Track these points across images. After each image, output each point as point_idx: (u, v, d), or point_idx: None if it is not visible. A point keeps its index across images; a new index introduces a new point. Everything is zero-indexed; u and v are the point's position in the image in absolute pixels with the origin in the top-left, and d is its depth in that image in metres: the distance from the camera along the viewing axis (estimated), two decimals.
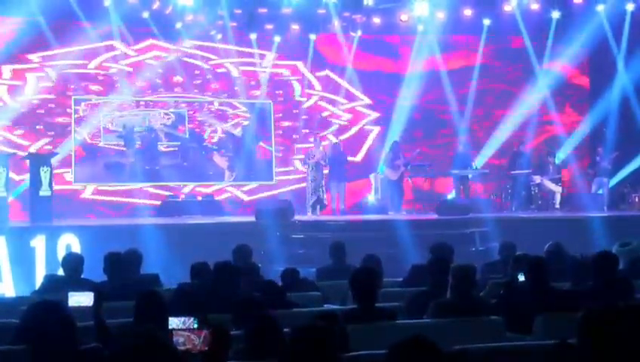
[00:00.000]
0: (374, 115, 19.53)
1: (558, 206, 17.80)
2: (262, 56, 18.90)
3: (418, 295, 6.67)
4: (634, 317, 4.07)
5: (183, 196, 18.08)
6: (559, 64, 19.59)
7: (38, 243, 11.86)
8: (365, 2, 17.91)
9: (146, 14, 17.19)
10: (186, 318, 4.34)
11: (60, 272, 8.32)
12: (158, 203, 17.39)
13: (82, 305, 5.42)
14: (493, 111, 19.71)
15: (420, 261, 8.68)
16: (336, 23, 18.41)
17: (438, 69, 19.25)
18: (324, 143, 18.15)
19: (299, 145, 18.98)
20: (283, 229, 13.54)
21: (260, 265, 8.52)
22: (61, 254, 10.81)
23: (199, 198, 17.82)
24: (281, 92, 19.26)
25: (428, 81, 19.15)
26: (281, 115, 19.27)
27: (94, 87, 17.88)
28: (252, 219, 14.31)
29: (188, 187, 18.50)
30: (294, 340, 3.95)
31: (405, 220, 14.48)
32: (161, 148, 18.43)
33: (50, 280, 7.94)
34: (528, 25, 18.65)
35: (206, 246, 11.00)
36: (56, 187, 17.05)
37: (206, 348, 4.16)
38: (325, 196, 17.08)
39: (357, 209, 18.01)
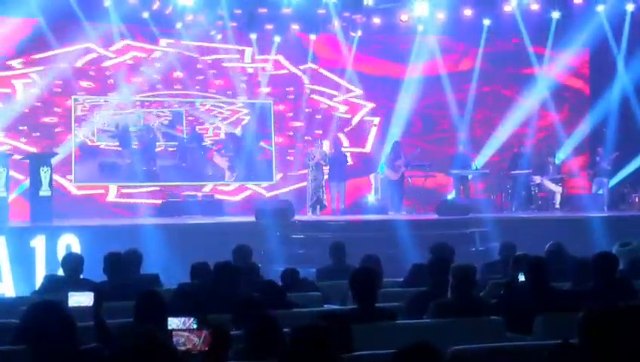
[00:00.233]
0: (369, 105, 19.48)
1: (558, 206, 17.80)
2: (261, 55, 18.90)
3: (418, 295, 6.67)
4: (634, 317, 4.07)
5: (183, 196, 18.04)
6: (559, 64, 19.57)
7: (38, 243, 11.85)
8: (365, 2, 17.90)
9: (146, 14, 17.17)
10: (186, 318, 4.34)
11: (60, 272, 8.32)
12: (159, 202, 17.37)
13: (82, 305, 5.42)
14: (493, 112, 19.70)
15: (420, 261, 8.68)
16: (336, 23, 18.41)
17: (438, 71, 19.24)
18: (325, 142, 18.16)
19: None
20: (283, 229, 13.53)
21: (260, 265, 8.52)
22: (61, 254, 10.80)
23: (199, 197, 17.76)
24: (291, 89, 19.20)
25: (427, 85, 19.14)
26: (291, 114, 19.23)
27: (85, 85, 17.62)
28: (252, 219, 14.30)
29: (207, 186, 18.46)
30: (294, 340, 3.95)
31: (405, 220, 14.48)
32: (159, 148, 18.28)
33: (50, 281, 7.95)
34: (528, 25, 18.64)
35: (206, 246, 11.00)
36: (82, 191, 17.19)
37: (206, 349, 4.15)
38: (325, 196, 17.09)
39: (357, 208, 18.00)
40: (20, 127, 17.04)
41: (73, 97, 17.53)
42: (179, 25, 17.64)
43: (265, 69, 18.91)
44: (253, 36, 18.43)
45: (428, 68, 19.24)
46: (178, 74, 18.27)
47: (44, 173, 13.52)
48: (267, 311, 5.14)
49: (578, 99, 20.37)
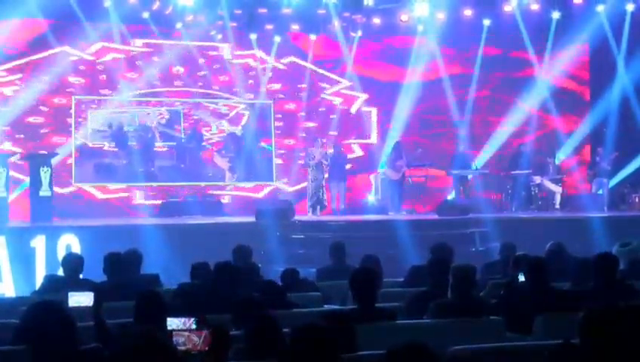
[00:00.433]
0: (363, 95, 19.44)
1: (558, 206, 17.81)
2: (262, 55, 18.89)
3: (418, 295, 6.67)
4: (634, 317, 4.07)
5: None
6: (559, 64, 19.57)
7: (38, 243, 11.85)
8: (365, 3, 17.90)
9: (146, 14, 17.17)
10: (185, 319, 4.34)
11: (60, 272, 8.33)
12: (159, 202, 17.36)
13: (82, 305, 5.43)
14: (492, 112, 19.69)
15: (420, 261, 8.68)
16: (337, 24, 18.41)
17: (438, 73, 19.23)
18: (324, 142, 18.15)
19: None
20: (283, 229, 13.53)
21: (260, 265, 8.52)
22: (61, 254, 10.81)
23: (199, 198, 17.76)
24: (304, 85, 19.15)
25: (427, 88, 19.14)
26: (303, 114, 19.20)
27: (75, 81, 17.49)
28: (252, 219, 14.30)
29: (229, 187, 18.42)
30: (294, 339, 3.95)
31: (405, 220, 14.48)
32: (157, 148, 18.17)
33: (50, 281, 7.95)
34: (528, 25, 18.64)
35: (206, 246, 11.00)
36: (110, 195, 17.22)
37: (206, 349, 4.16)
38: (325, 197, 17.09)
39: (356, 206, 18.00)
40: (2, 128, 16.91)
41: (73, 97, 17.51)
42: (179, 25, 17.64)
43: (265, 68, 18.91)
44: (253, 36, 18.42)
45: (427, 71, 19.22)
46: (178, 68, 18.23)
47: (44, 173, 13.53)
48: (267, 311, 5.14)
49: (578, 99, 20.36)
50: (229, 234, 11.80)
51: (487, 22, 18.64)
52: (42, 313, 4.32)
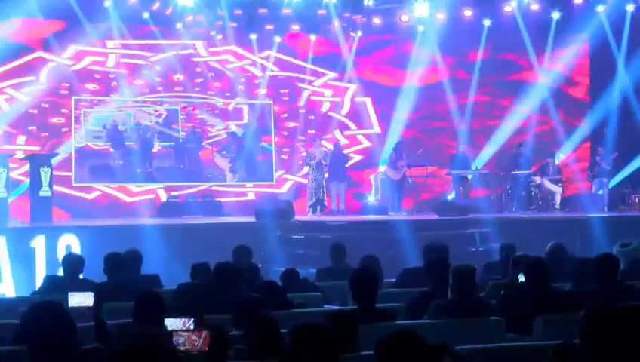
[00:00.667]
0: (353, 85, 19.41)
1: (558, 206, 17.80)
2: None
3: (419, 295, 6.67)
4: (634, 317, 4.07)
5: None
6: (559, 64, 19.57)
7: (38, 243, 11.85)
8: (365, 3, 17.91)
9: (146, 15, 17.17)
10: (184, 319, 4.34)
11: (60, 273, 8.32)
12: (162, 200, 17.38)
13: (82, 305, 5.43)
14: (493, 111, 19.71)
15: (421, 262, 8.67)
16: (336, 24, 18.41)
17: (437, 75, 19.26)
18: (324, 143, 18.17)
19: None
20: (283, 230, 13.53)
21: (260, 265, 8.52)
22: (61, 254, 10.81)
23: (199, 198, 17.74)
24: (286, 91, 19.20)
25: (427, 91, 19.18)
26: (286, 115, 19.22)
27: (90, 87, 17.67)
28: (252, 219, 14.30)
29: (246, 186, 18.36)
30: (294, 339, 3.95)
31: (405, 220, 14.47)
32: (155, 149, 18.11)
33: (51, 281, 7.95)
34: (528, 25, 18.65)
35: (206, 246, 11.00)
36: (137, 198, 17.25)
37: (206, 349, 4.16)
38: (326, 197, 17.09)
39: (356, 206, 18.02)
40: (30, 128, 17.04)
41: (74, 98, 17.52)
42: (179, 25, 17.65)
43: (265, 68, 18.92)
44: (253, 37, 18.43)
45: (427, 74, 19.24)
46: (178, 77, 18.27)
47: (44, 173, 13.53)
48: (266, 312, 5.13)
49: (578, 100, 20.36)
50: (229, 234, 11.80)
51: (487, 22, 18.64)
52: (42, 313, 4.31)
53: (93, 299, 5.69)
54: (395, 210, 17.08)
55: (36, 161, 13.84)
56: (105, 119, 17.78)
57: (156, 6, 17.15)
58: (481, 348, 5.10)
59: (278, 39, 18.61)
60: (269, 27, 18.33)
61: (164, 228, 12.99)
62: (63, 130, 17.41)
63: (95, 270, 7.90)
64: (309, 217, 16.36)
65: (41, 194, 13.50)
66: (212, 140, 18.68)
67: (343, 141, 18.97)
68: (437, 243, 8.64)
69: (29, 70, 17.08)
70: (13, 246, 11.71)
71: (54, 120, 17.40)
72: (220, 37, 18.39)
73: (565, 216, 16.38)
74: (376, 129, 19.49)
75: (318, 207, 16.84)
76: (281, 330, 4.72)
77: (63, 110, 17.51)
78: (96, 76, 17.73)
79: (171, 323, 4.52)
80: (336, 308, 6.98)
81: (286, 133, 19.15)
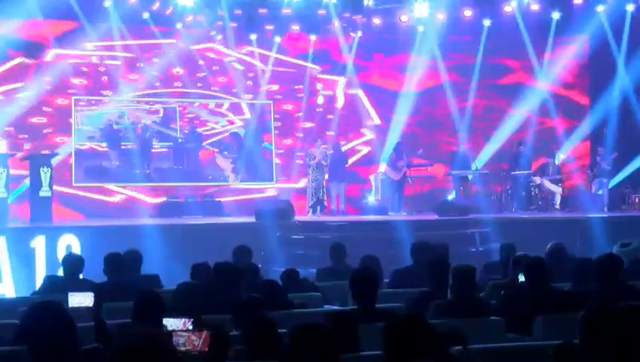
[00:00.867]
0: (341, 78, 19.35)
1: (558, 206, 17.80)
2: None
3: (419, 295, 6.67)
4: (634, 317, 4.07)
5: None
6: (559, 64, 19.57)
7: (38, 243, 11.84)
8: (365, 3, 17.91)
9: (146, 15, 17.17)
10: (183, 319, 4.34)
11: (60, 273, 8.32)
12: (161, 200, 17.35)
13: (82, 305, 5.43)
14: (493, 112, 19.71)
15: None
16: (336, 24, 18.41)
17: (438, 82, 19.28)
18: (324, 146, 18.15)
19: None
20: (283, 230, 13.53)
21: (259, 265, 8.52)
22: (61, 255, 10.80)
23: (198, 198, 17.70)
24: (301, 87, 19.15)
25: (426, 93, 19.19)
26: (300, 114, 19.20)
27: (77, 82, 17.49)
28: (252, 219, 14.30)
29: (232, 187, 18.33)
30: (294, 339, 3.95)
31: (405, 220, 14.47)
32: (153, 150, 17.99)
33: (51, 281, 7.96)
34: (528, 25, 18.64)
35: (206, 247, 11.00)
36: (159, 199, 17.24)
37: (206, 349, 4.16)
38: (326, 198, 17.09)
39: (356, 207, 18.02)
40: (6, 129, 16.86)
41: (73, 98, 17.49)
42: (179, 25, 17.65)
43: (266, 67, 18.92)
44: (253, 37, 18.43)
45: (426, 77, 19.24)
46: (178, 70, 18.22)
47: (44, 174, 13.52)
48: (264, 313, 5.13)
49: (578, 99, 20.37)
50: (229, 234, 11.80)
51: (487, 22, 18.63)
52: (42, 313, 4.31)
53: (93, 299, 5.68)
54: (395, 210, 17.08)
55: (36, 161, 13.83)
56: (98, 118, 17.63)
57: (156, 6, 17.15)
58: (481, 348, 5.10)
59: (278, 39, 18.60)
60: (269, 27, 18.33)
61: (164, 228, 12.99)
62: (45, 130, 17.20)
63: (95, 270, 7.90)
64: (309, 217, 16.36)
65: (41, 194, 13.50)
66: (213, 140, 18.62)
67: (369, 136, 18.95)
68: (423, 242, 8.67)
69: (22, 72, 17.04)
70: (13, 247, 11.70)
71: (34, 120, 17.17)
72: (220, 37, 18.38)
73: (565, 216, 16.38)
74: (376, 121, 19.48)
75: (318, 208, 16.84)
76: (281, 330, 4.71)
77: (45, 108, 17.26)
78: (84, 69, 17.58)
79: (171, 324, 4.52)
80: (336, 308, 6.98)
81: (301, 135, 19.09)
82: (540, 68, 19.50)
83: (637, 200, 17.66)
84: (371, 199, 18.44)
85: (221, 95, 18.70)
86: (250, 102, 18.92)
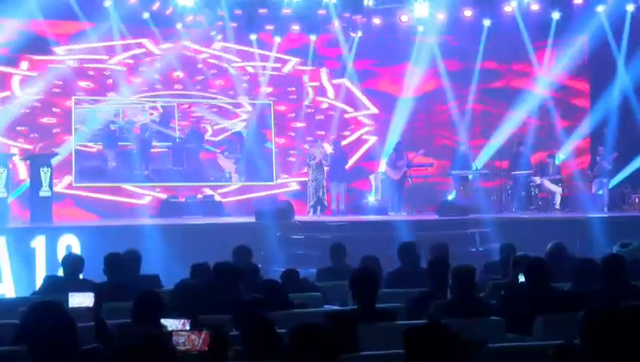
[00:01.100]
0: (324, 69, 19.37)
1: (558, 206, 17.80)
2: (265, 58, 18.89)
3: (419, 295, 6.67)
4: (635, 317, 4.07)
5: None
6: (559, 64, 19.57)
7: (38, 243, 11.84)
8: (365, 3, 17.90)
9: (146, 15, 17.16)
10: (181, 320, 4.34)
11: (60, 273, 8.32)
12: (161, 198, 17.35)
13: (82, 305, 5.43)
14: (494, 111, 19.71)
15: (421, 262, 8.68)
16: (336, 24, 18.40)
17: (438, 85, 19.30)
18: (324, 145, 18.15)
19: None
20: (283, 230, 13.53)
21: (259, 265, 8.52)
22: (61, 255, 10.80)
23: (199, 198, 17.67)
24: (293, 89, 19.18)
25: (425, 98, 19.21)
26: (293, 114, 19.21)
27: (84, 85, 17.53)
28: (252, 219, 14.30)
29: (233, 186, 18.28)
30: (294, 340, 3.95)
31: (405, 220, 14.48)
32: (152, 150, 17.92)
33: (51, 281, 7.96)
34: (528, 26, 18.64)
35: (206, 247, 11.00)
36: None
37: (205, 349, 4.16)
38: (326, 197, 17.09)
39: (356, 206, 18.02)
40: (18, 128, 16.95)
41: (74, 98, 17.48)
42: (179, 25, 17.64)
43: (265, 68, 18.91)
44: (253, 37, 18.43)
45: (426, 79, 19.26)
46: (178, 74, 18.24)
47: (44, 174, 13.52)
48: (263, 313, 5.13)
49: (578, 100, 20.37)
50: (229, 234, 11.80)
51: (487, 22, 18.63)
52: (42, 313, 4.32)
53: (93, 299, 5.69)
54: (395, 210, 17.08)
55: (36, 161, 13.83)
56: (94, 119, 17.53)
57: (156, 6, 17.14)
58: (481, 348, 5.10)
59: (278, 39, 18.60)
60: (269, 27, 18.33)
61: (164, 228, 12.99)
62: (54, 130, 17.25)
63: (95, 270, 7.90)
64: (309, 217, 16.36)
65: (41, 194, 13.49)
66: (215, 139, 18.58)
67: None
68: (407, 242, 8.70)
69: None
70: (13, 247, 11.70)
71: (44, 120, 17.24)
72: (220, 37, 18.38)
73: (565, 216, 16.38)
74: (373, 110, 19.48)
75: (319, 207, 16.84)
76: (281, 330, 4.72)
77: (55, 109, 17.32)
78: (91, 73, 17.60)
79: (170, 324, 4.53)
80: (336, 308, 6.98)
81: (293, 134, 19.12)
82: (539, 68, 19.48)
83: (637, 200, 17.66)
84: (371, 199, 18.44)
85: (219, 97, 18.68)
86: (251, 102, 18.91)
